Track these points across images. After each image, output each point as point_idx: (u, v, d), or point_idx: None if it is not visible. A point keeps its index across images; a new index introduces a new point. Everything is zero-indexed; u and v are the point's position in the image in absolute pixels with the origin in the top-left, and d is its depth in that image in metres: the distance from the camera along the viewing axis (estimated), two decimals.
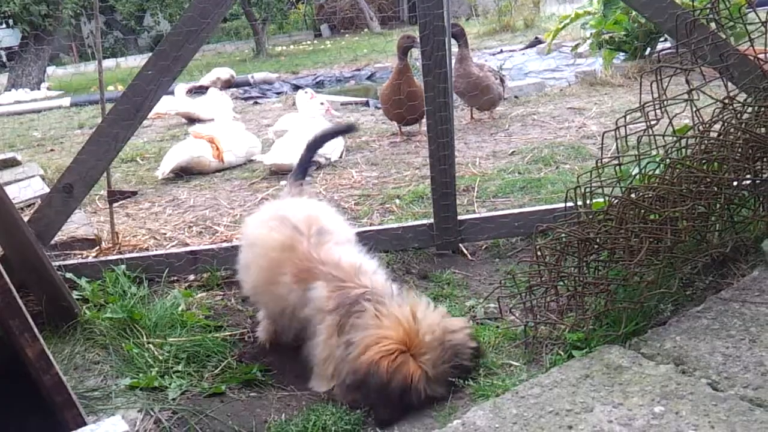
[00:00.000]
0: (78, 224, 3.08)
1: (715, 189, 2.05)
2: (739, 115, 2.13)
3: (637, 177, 2.06)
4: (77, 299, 2.29)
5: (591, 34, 6.92)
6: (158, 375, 1.96)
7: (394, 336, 1.70)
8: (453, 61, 3.85)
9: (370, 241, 2.20)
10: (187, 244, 3.03)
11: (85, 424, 1.54)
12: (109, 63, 14.79)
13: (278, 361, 2.07)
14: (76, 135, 6.71)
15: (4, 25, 14.87)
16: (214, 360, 2.08)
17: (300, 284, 1.88)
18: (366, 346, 1.70)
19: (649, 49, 6.51)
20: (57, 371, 1.58)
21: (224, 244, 2.79)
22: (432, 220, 2.72)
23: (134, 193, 3.21)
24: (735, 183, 2.12)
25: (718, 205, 2.10)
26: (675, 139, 2.03)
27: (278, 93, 8.89)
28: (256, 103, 8.13)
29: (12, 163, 4.56)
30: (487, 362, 1.91)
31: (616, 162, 1.99)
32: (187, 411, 1.80)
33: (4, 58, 19.12)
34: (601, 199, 2.02)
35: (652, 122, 1.95)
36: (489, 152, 4.27)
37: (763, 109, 2.14)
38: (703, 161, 2.05)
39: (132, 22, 19.81)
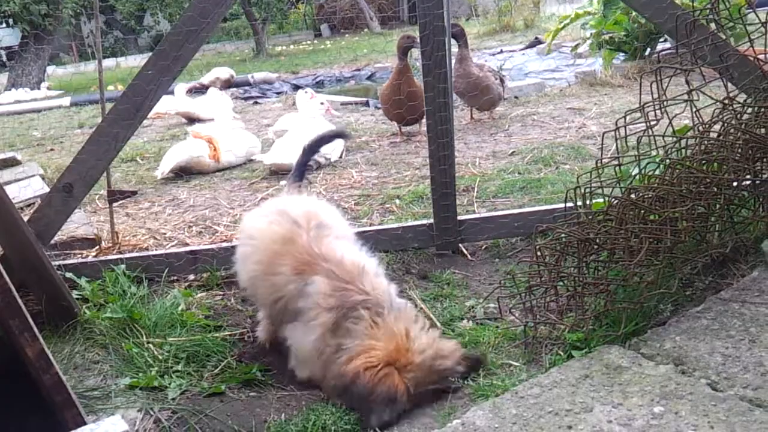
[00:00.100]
0: (78, 224, 3.08)
1: (715, 189, 2.05)
2: (738, 115, 2.13)
3: (637, 177, 2.06)
4: (77, 299, 2.29)
5: (591, 34, 6.92)
6: (158, 375, 1.96)
7: (384, 349, 1.71)
8: (453, 62, 3.85)
9: (370, 241, 2.20)
10: (186, 244, 3.03)
11: (84, 423, 1.54)
12: (109, 63, 14.78)
13: (278, 360, 2.07)
14: (76, 135, 6.71)
15: (4, 25, 14.86)
16: (213, 360, 2.08)
17: (299, 276, 1.87)
18: (355, 354, 1.72)
19: (649, 49, 6.51)
20: (57, 371, 1.58)
21: (224, 244, 2.79)
22: (432, 220, 2.72)
23: (134, 193, 3.21)
24: (735, 183, 2.12)
25: (717, 206, 2.10)
26: (675, 139, 2.03)
27: (278, 93, 8.89)
28: (256, 102, 8.13)
29: (12, 163, 4.56)
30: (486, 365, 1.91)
31: (615, 162, 1.99)
32: (187, 411, 1.80)
33: (4, 58, 19.12)
34: (601, 200, 2.03)
35: (652, 123, 1.95)
36: (489, 152, 4.27)
37: (762, 109, 2.15)
38: (703, 162, 2.05)
39: (132, 22, 19.81)
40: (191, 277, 2.68)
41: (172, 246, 3.03)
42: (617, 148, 1.99)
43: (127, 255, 2.72)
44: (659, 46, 6.53)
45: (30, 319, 1.60)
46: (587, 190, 1.97)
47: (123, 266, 2.55)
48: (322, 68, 11.06)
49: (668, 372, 1.62)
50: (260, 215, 2.12)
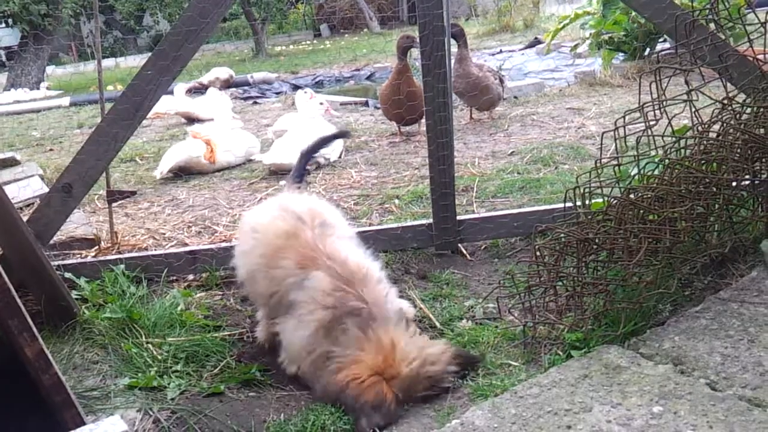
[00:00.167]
0: (77, 224, 3.07)
1: (714, 189, 2.05)
2: (738, 115, 2.13)
3: (636, 177, 2.06)
4: (76, 299, 2.29)
5: (590, 34, 6.93)
6: (157, 375, 1.96)
7: (371, 360, 1.72)
8: (452, 62, 3.85)
9: (370, 241, 2.20)
10: (186, 244, 3.03)
11: (84, 423, 1.54)
12: (108, 63, 14.82)
13: (277, 361, 2.07)
14: (76, 135, 6.70)
15: (3, 25, 14.88)
16: (213, 360, 2.08)
17: (302, 270, 1.88)
18: (343, 366, 1.74)
19: (648, 49, 6.51)
20: (56, 371, 1.58)
21: (223, 244, 2.78)
22: (431, 220, 2.72)
23: (133, 193, 3.21)
24: (734, 183, 2.12)
25: (716, 206, 2.10)
26: (674, 139, 2.03)
27: (277, 93, 8.89)
28: (255, 102, 8.13)
29: (11, 163, 4.56)
30: (485, 363, 1.91)
31: (615, 162, 1.99)
32: (186, 411, 1.80)
33: (4, 58, 19.12)
34: (600, 200, 2.03)
35: (651, 123, 1.95)
36: (488, 152, 4.27)
37: (762, 109, 2.15)
38: (702, 162, 2.05)
39: (131, 22, 19.80)
40: (190, 277, 2.68)
41: (172, 246, 3.03)
42: (616, 148, 1.99)
43: (127, 255, 2.72)
44: (658, 46, 6.53)
45: (29, 319, 1.60)
46: (586, 190, 1.98)
47: (122, 266, 2.55)
48: (322, 68, 11.06)
49: (667, 372, 1.62)
50: (263, 210, 2.13)
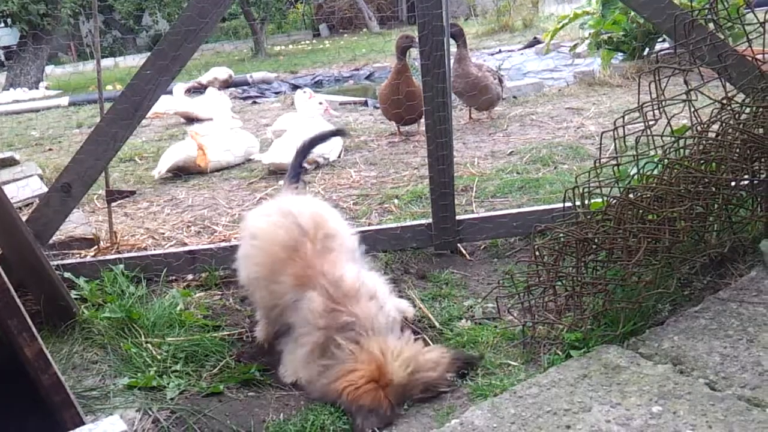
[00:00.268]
0: (76, 224, 3.07)
1: (713, 189, 2.05)
2: (737, 115, 2.13)
3: (636, 177, 2.06)
4: (75, 299, 2.29)
5: (589, 34, 6.93)
6: (156, 374, 1.96)
7: (364, 370, 1.74)
8: (451, 61, 3.85)
9: (369, 241, 2.20)
10: (185, 244, 3.02)
11: (83, 423, 1.54)
12: (107, 62, 14.81)
13: (276, 361, 2.07)
14: (75, 134, 6.70)
15: (2, 24, 14.85)
16: (212, 359, 2.08)
17: (298, 288, 1.90)
18: (339, 376, 1.76)
19: (647, 49, 6.52)
20: (55, 371, 1.58)
21: (222, 244, 2.79)
22: (430, 220, 2.72)
23: (132, 193, 3.21)
24: (733, 183, 2.12)
25: (716, 206, 2.10)
26: (673, 139, 2.03)
27: (277, 93, 8.88)
28: (254, 102, 8.12)
29: (10, 163, 4.55)
30: (485, 363, 1.91)
31: (614, 162, 1.99)
32: (186, 410, 1.80)
33: (3, 57, 19.09)
34: (600, 200, 2.03)
35: (651, 122, 1.95)
36: (487, 152, 4.27)
37: (761, 109, 2.15)
38: (702, 161, 2.06)
39: (130, 22, 19.78)
40: (190, 276, 2.68)
41: (171, 246, 3.03)
42: (616, 147, 1.99)
43: (126, 255, 2.72)
44: (658, 46, 6.54)
45: (28, 319, 1.60)
46: (586, 189, 1.98)
47: (121, 266, 2.55)
48: (321, 68, 11.06)
49: (666, 372, 1.63)
50: (265, 215, 2.11)
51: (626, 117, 1.97)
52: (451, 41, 3.97)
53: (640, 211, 1.94)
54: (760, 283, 1.98)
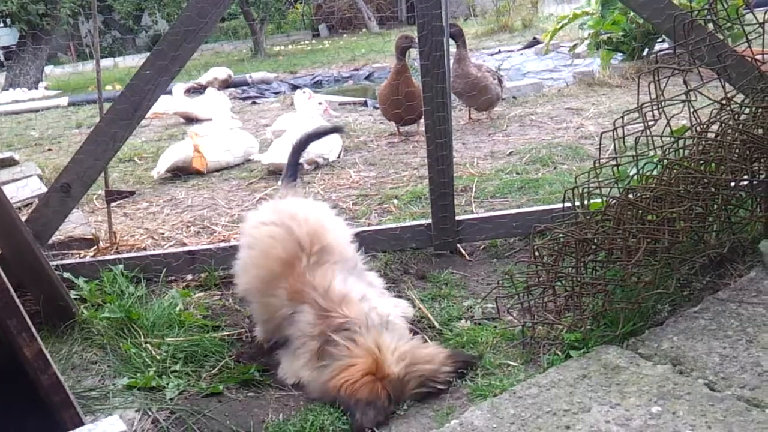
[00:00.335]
0: (75, 224, 3.07)
1: (713, 190, 2.05)
2: (736, 116, 2.13)
3: (635, 177, 2.06)
4: (75, 299, 2.29)
5: (589, 34, 6.92)
6: (156, 375, 1.96)
7: (361, 364, 1.76)
8: (451, 62, 3.85)
9: (368, 241, 2.20)
10: (184, 244, 3.02)
11: (82, 423, 1.54)
12: (107, 62, 14.78)
13: (276, 362, 2.07)
14: (74, 134, 6.70)
15: (1, 24, 14.86)
16: (211, 360, 2.08)
17: (292, 302, 1.93)
18: (336, 373, 1.77)
19: (646, 49, 6.52)
20: (55, 371, 1.58)
21: (222, 244, 2.79)
22: (430, 221, 2.72)
23: (132, 193, 3.21)
24: (732, 184, 2.12)
25: (715, 206, 2.10)
26: (673, 139, 2.03)
27: (276, 93, 8.87)
28: (254, 102, 8.12)
29: (9, 163, 4.55)
30: (484, 363, 1.91)
31: (613, 162, 1.99)
32: (185, 411, 1.80)
33: (2, 58, 19.07)
34: (599, 200, 2.03)
35: (650, 123, 1.95)
36: (487, 152, 4.27)
37: (760, 110, 2.15)
38: (701, 162, 2.06)
39: (130, 22, 19.77)
40: (189, 277, 2.68)
41: (170, 246, 3.03)
42: (615, 148, 1.99)
43: (125, 255, 2.72)
44: (657, 47, 6.54)
45: (28, 319, 1.60)
46: (585, 190, 1.98)
47: (121, 266, 2.55)
48: (321, 68, 11.05)
49: (666, 372, 1.63)
50: (263, 223, 2.11)
51: (626, 117, 1.97)
52: (451, 41, 3.98)
53: (640, 211, 1.94)
54: (759, 283, 1.99)
